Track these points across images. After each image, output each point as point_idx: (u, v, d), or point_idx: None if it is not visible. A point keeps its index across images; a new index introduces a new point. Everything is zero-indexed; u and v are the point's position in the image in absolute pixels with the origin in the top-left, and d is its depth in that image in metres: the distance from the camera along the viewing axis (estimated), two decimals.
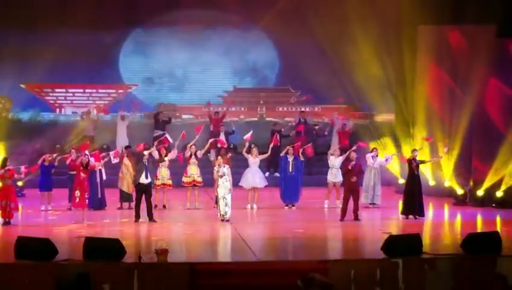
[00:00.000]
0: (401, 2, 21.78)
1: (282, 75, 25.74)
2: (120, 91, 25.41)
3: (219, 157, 16.81)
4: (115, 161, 18.14)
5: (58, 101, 25.32)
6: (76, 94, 25.35)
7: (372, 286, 11.62)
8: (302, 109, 24.44)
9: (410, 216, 16.61)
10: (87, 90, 25.25)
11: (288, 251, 13.66)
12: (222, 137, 22.34)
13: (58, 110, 25.30)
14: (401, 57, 22.37)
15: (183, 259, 12.15)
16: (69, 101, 25.38)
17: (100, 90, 25.39)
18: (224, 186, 16.20)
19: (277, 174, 21.13)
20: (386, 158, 18.90)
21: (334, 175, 18.63)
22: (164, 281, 11.27)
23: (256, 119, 25.09)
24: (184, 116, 24.82)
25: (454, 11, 20.05)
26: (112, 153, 18.28)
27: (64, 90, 25.29)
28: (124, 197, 18.27)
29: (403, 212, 16.76)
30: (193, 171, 18.36)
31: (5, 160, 16.22)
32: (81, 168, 16.26)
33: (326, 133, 23.39)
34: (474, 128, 19.99)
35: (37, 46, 23.60)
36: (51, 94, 25.24)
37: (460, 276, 11.82)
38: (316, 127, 23.56)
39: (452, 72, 20.66)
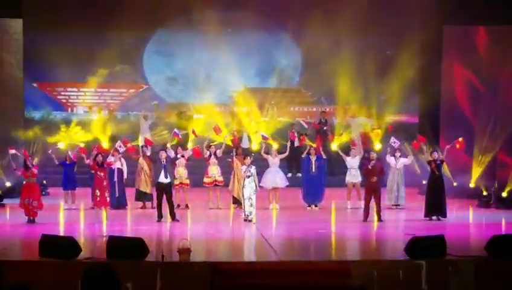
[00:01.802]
0: (426, 1, 21.67)
1: (305, 75, 25.65)
2: (131, 90, 25.47)
3: (248, 157, 16.78)
4: (121, 149, 18.10)
5: (70, 100, 25.44)
6: (87, 93, 25.45)
7: (395, 288, 11.56)
8: (323, 109, 24.33)
9: (434, 217, 16.51)
10: (98, 90, 25.33)
11: (310, 252, 13.63)
12: (245, 138, 22.39)
13: (70, 109, 25.41)
14: (426, 58, 22.26)
15: (206, 258, 12.17)
16: (80, 100, 25.49)
17: (112, 90, 25.46)
18: (250, 186, 16.19)
19: (299, 175, 21.11)
20: (393, 141, 18.56)
21: (353, 175, 18.59)
22: (186, 280, 11.30)
23: (266, 119, 24.87)
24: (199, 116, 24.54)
25: (480, 11, 19.89)
26: (118, 143, 18.20)
27: (76, 89, 25.40)
28: (139, 196, 18.32)
29: (426, 215, 16.62)
30: (214, 171, 18.37)
31: (26, 159, 16.33)
32: (97, 167, 16.34)
33: (341, 132, 23.15)
34: (500, 130, 19.82)
35: (60, 46, 23.80)
36: (62, 93, 25.35)
37: (484, 278, 11.72)
38: (325, 128, 23.35)
39: (478, 72, 20.52)
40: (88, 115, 24.92)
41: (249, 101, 25.07)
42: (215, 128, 18.99)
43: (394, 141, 18.50)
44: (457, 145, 17.38)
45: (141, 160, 18.30)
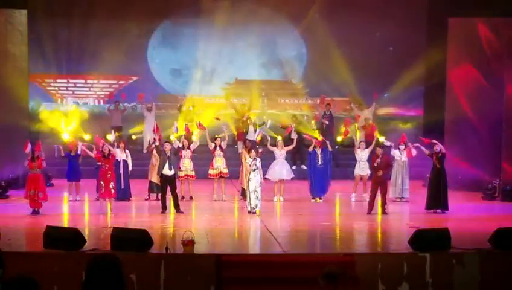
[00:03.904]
0: None
1: (309, 68, 25.61)
2: (121, 82, 25.43)
3: (252, 150, 16.78)
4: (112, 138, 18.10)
5: (59, 92, 25.38)
6: (77, 85, 25.40)
7: (399, 280, 11.56)
8: (328, 102, 24.28)
9: (438, 210, 16.48)
10: (88, 81, 25.30)
11: (315, 244, 13.63)
12: (251, 129, 22.36)
13: (59, 100, 25.35)
14: (431, 51, 22.22)
15: (210, 250, 12.17)
16: (70, 92, 25.44)
17: (102, 81, 25.42)
18: (256, 179, 16.19)
19: (303, 167, 21.11)
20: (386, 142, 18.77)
21: (362, 168, 18.57)
22: (191, 272, 11.30)
23: (258, 111, 24.72)
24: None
25: (485, 3, 19.80)
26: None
27: (65, 80, 25.33)
28: (153, 188, 18.32)
29: (427, 208, 16.60)
30: (219, 163, 18.37)
31: (33, 150, 16.32)
32: (103, 158, 16.32)
33: (327, 122, 23.10)
34: (504, 123, 19.76)
35: (63, 37, 23.81)
36: (52, 84, 25.29)
37: (488, 271, 11.72)
38: (327, 122, 23.31)
39: (483, 65, 20.41)
40: (78, 106, 24.89)
41: (239, 94, 25.08)
42: (199, 125, 18.96)
43: (387, 142, 18.68)
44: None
45: (155, 151, 18.26)
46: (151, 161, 18.30)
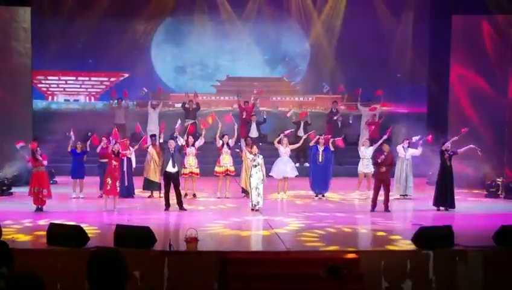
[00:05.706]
0: None
1: (313, 65, 25.58)
2: (112, 79, 25.37)
3: (254, 146, 16.78)
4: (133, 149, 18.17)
5: (50, 89, 25.34)
6: (68, 82, 25.37)
7: (403, 278, 11.58)
8: (335, 99, 24.24)
9: (442, 208, 16.50)
10: (79, 78, 25.25)
11: (318, 241, 13.62)
12: (254, 126, 22.35)
13: (50, 97, 25.29)
14: (434, 48, 22.19)
15: (213, 248, 12.18)
16: (61, 89, 25.39)
17: (93, 78, 25.36)
18: (257, 176, 16.19)
19: (307, 164, 21.10)
20: (419, 138, 18.57)
21: (365, 166, 18.55)
22: (194, 270, 11.32)
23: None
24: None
25: (489, 1, 19.78)
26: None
27: (56, 78, 25.27)
28: (147, 185, 18.34)
29: (434, 204, 16.64)
30: (226, 161, 18.33)
31: (34, 151, 16.32)
32: (113, 156, 16.34)
33: (350, 121, 23.12)
34: (507, 121, 19.76)
35: (68, 33, 23.81)
36: (43, 82, 25.23)
37: (491, 268, 11.74)
38: (335, 118, 23.21)
39: (485, 64, 20.37)
40: (68, 104, 24.86)
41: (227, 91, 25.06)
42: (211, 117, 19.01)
43: (416, 138, 18.57)
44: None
45: (151, 149, 18.34)
46: (146, 158, 18.35)
